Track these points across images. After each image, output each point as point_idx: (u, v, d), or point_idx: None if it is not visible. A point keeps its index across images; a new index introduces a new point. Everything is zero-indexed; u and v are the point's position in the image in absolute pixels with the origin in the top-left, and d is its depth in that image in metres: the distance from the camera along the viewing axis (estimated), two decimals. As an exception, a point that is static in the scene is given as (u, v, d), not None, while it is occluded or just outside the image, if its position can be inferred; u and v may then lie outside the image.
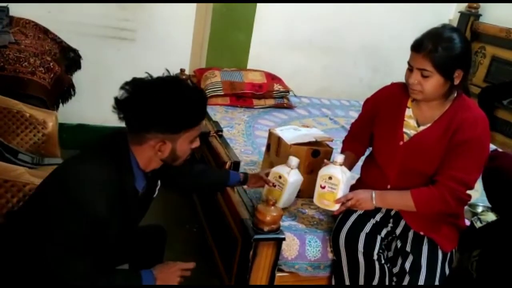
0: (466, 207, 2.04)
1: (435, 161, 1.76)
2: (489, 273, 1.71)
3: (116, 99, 1.38)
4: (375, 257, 1.80)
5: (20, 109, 2.17)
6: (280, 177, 1.94)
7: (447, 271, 1.81)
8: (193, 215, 2.70)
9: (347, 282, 1.86)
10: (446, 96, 1.76)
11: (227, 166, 2.20)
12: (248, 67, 3.54)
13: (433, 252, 1.80)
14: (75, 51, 2.91)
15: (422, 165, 1.79)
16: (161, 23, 3.34)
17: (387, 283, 1.80)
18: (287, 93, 3.39)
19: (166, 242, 1.82)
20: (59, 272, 1.32)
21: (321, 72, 3.98)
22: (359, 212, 1.89)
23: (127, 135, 1.44)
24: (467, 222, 2.02)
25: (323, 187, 1.82)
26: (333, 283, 1.94)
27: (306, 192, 2.06)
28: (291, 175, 1.93)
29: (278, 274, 1.86)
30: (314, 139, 2.15)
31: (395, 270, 1.82)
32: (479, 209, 2.22)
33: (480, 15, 3.97)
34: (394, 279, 1.82)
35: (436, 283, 1.76)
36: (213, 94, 3.14)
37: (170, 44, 3.41)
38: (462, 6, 4.08)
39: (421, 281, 1.75)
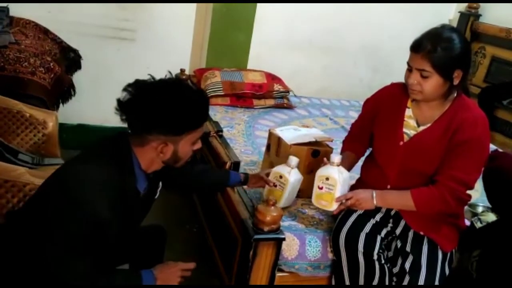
0: (466, 207, 2.04)
1: (435, 161, 1.77)
2: (489, 273, 1.72)
3: (118, 100, 1.38)
4: (375, 257, 1.80)
5: (20, 109, 2.18)
6: (281, 177, 1.94)
7: (447, 271, 1.81)
8: (193, 215, 2.70)
9: (347, 282, 1.86)
10: (446, 96, 1.76)
11: (227, 166, 2.20)
12: (248, 67, 3.54)
13: (433, 252, 1.80)
14: (75, 51, 2.91)
15: (422, 165, 1.79)
16: (161, 23, 3.34)
17: (387, 283, 1.80)
18: (287, 93, 3.39)
19: (166, 242, 1.82)
20: (59, 272, 1.32)
21: (321, 72, 3.98)
22: (359, 212, 1.90)
23: (129, 136, 1.44)
24: (467, 222, 2.02)
25: (321, 188, 1.83)
26: (333, 283, 1.94)
27: (306, 192, 2.06)
28: (291, 175, 1.93)
29: (278, 274, 1.86)
30: (314, 139, 2.15)
31: (395, 270, 1.82)
32: (479, 209, 2.22)
33: (480, 15, 3.97)
34: (394, 279, 1.82)
35: (436, 283, 1.76)
36: (213, 94, 3.14)
37: (170, 44, 3.41)
38: (462, 6, 4.08)
39: (421, 281, 1.75)
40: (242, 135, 2.80)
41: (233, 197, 2.01)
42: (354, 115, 3.23)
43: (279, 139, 2.16)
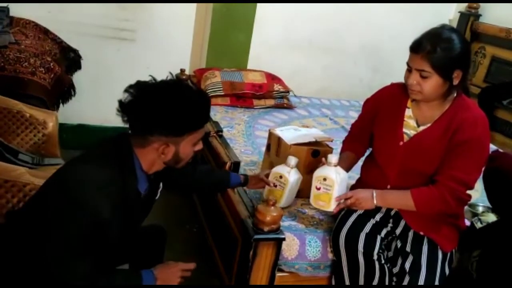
0: (466, 208, 2.04)
1: (435, 161, 1.77)
2: (489, 274, 1.72)
3: (120, 102, 1.38)
4: (375, 257, 1.80)
5: (20, 109, 2.18)
6: (280, 177, 1.94)
7: (447, 271, 1.81)
8: (193, 215, 2.70)
9: (347, 282, 1.86)
10: (446, 96, 1.76)
11: (227, 167, 2.21)
12: (248, 67, 3.54)
13: (433, 252, 1.80)
14: (75, 51, 2.91)
15: (422, 165, 1.80)
16: (161, 23, 3.34)
17: (387, 283, 1.80)
18: (287, 93, 3.39)
19: (166, 242, 1.82)
20: (59, 272, 1.32)
21: (321, 72, 3.98)
22: (359, 212, 1.90)
23: (130, 137, 1.44)
24: (467, 223, 2.02)
25: (318, 188, 1.83)
26: (333, 283, 1.94)
27: (305, 191, 2.06)
28: (291, 175, 1.93)
29: (278, 274, 1.86)
30: (314, 139, 2.15)
31: (395, 270, 1.82)
32: (480, 210, 2.22)
33: (480, 15, 3.97)
34: (394, 279, 1.82)
35: (436, 283, 1.76)
36: (213, 94, 3.14)
37: (170, 44, 3.41)
38: (462, 6, 4.08)
39: (421, 281, 1.75)
40: (242, 135, 2.80)
41: (233, 197, 2.01)
42: (354, 115, 3.23)
43: (279, 139, 2.16)
